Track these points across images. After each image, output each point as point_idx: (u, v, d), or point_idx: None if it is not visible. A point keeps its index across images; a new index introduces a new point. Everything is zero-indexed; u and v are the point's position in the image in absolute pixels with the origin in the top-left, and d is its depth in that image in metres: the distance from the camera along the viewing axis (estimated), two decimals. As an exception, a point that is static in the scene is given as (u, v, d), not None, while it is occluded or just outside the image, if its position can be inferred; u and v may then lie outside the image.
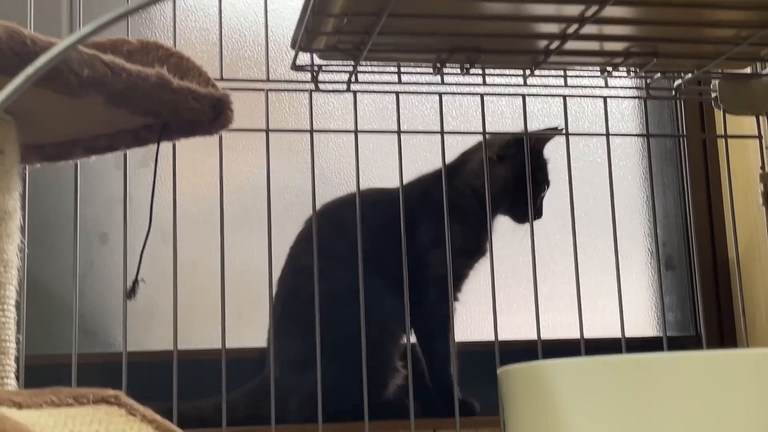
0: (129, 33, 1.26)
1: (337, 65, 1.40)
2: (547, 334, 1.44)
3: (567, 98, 1.50)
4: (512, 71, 1.49)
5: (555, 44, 1.35)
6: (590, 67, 1.50)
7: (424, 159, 1.77)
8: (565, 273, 1.75)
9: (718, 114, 1.62)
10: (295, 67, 1.38)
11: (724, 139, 1.58)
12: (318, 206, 1.42)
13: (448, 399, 1.50)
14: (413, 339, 1.61)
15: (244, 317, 1.75)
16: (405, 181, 1.67)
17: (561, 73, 1.50)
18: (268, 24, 1.41)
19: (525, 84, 1.48)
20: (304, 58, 1.38)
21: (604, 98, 1.52)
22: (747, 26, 1.32)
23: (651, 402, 0.77)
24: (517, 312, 1.83)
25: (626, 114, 2.05)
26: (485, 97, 1.47)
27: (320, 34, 1.27)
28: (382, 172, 1.86)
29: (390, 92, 1.45)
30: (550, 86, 1.53)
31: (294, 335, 1.54)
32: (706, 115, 2.01)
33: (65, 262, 1.68)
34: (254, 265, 1.74)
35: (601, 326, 1.71)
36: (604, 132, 1.51)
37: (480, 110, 1.46)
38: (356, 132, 1.40)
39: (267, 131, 1.37)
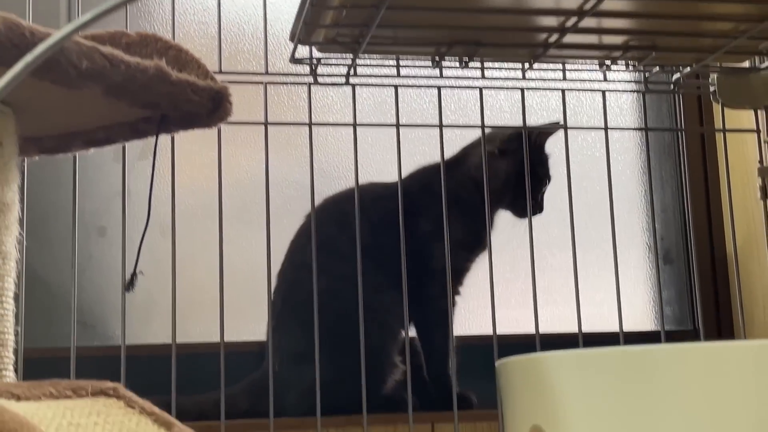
0: (128, 26, 1.26)
1: (335, 58, 1.39)
2: (545, 328, 1.44)
3: (566, 92, 1.50)
4: (511, 65, 1.49)
5: (554, 37, 1.35)
6: (589, 61, 1.50)
7: (422, 153, 1.77)
8: (563, 267, 1.75)
9: (717, 108, 1.62)
10: (294, 60, 1.38)
11: (722, 133, 1.58)
12: (316, 200, 1.42)
13: (446, 393, 1.51)
14: (411, 333, 1.61)
15: (243, 311, 1.75)
16: (407, 172, 1.68)
17: (560, 66, 1.50)
18: (267, 17, 1.40)
19: (524, 78, 1.48)
20: (302, 51, 1.38)
21: (603, 92, 1.52)
22: (745, 20, 1.32)
23: (649, 393, 0.77)
24: (515, 306, 1.84)
25: (624, 108, 2.05)
26: (484, 91, 1.47)
27: (319, 26, 1.27)
28: (381, 166, 1.86)
29: (389, 86, 1.45)
30: (548, 80, 1.53)
31: (294, 329, 1.54)
32: (705, 109, 2.01)
33: (64, 255, 1.68)
34: (253, 259, 1.74)
35: (599, 320, 1.71)
36: (603, 126, 1.51)
37: (479, 104, 1.46)
38: (355, 125, 1.40)
39: (265, 124, 1.37)
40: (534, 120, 1.80)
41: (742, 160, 1.78)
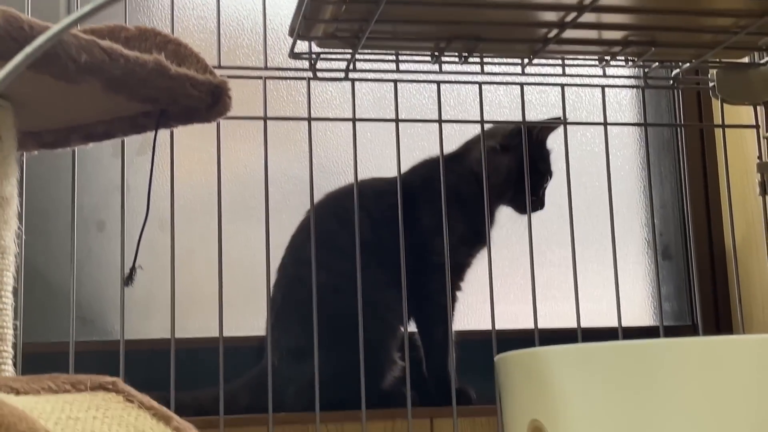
0: (126, 20, 1.25)
1: (335, 53, 1.39)
2: (544, 324, 1.44)
3: (565, 87, 1.50)
4: (510, 60, 1.49)
5: (553, 33, 1.35)
6: (588, 57, 1.50)
7: (422, 148, 1.77)
8: (562, 262, 1.75)
9: (716, 104, 1.62)
10: (293, 55, 1.38)
11: (721, 129, 1.58)
12: (315, 195, 1.42)
13: (445, 388, 1.51)
14: (411, 328, 1.61)
15: (242, 306, 1.75)
16: (408, 166, 1.68)
17: (559, 62, 1.50)
18: (266, 11, 1.40)
19: (523, 73, 1.48)
20: (302, 46, 1.38)
21: (602, 87, 1.51)
22: (745, 15, 1.32)
23: (648, 388, 0.77)
24: (514, 301, 1.83)
25: (624, 104, 2.05)
26: (483, 86, 1.47)
27: (318, 21, 1.27)
28: (380, 161, 1.86)
29: (388, 81, 1.45)
30: (548, 75, 1.53)
31: (294, 324, 1.54)
32: (704, 105, 2.01)
33: (63, 250, 1.68)
34: (252, 254, 1.74)
35: (598, 316, 1.71)
36: (602, 121, 1.51)
37: (478, 99, 1.46)
38: (354, 120, 1.40)
39: (265, 119, 1.37)
40: (533, 116, 1.80)
41: (742, 156, 1.78)
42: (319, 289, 1.35)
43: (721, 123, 1.57)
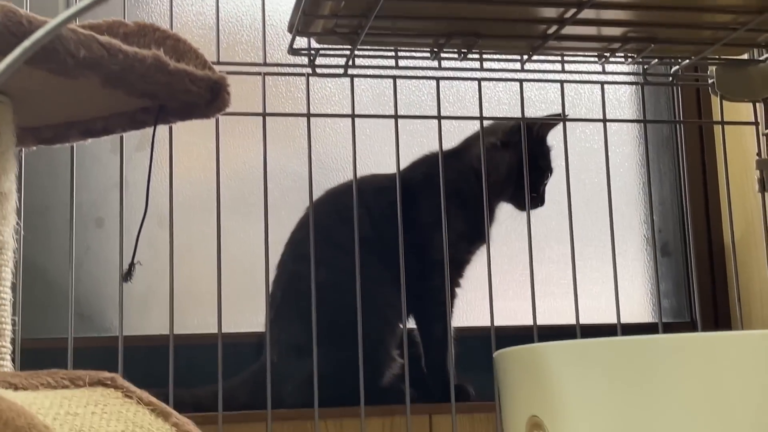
0: (125, 16, 1.25)
1: (334, 49, 1.39)
2: (543, 320, 1.44)
3: (564, 84, 1.50)
4: (510, 56, 1.49)
5: (553, 29, 1.35)
6: (588, 53, 1.50)
7: (421, 144, 1.77)
8: (561, 259, 1.75)
9: (715, 100, 1.62)
10: (292, 51, 1.38)
11: (720, 126, 1.58)
12: (315, 192, 1.42)
13: (444, 385, 1.51)
14: (410, 325, 1.61)
15: (241, 302, 1.75)
16: (409, 161, 1.68)
17: (558, 58, 1.50)
18: (265, 7, 1.40)
19: (522, 69, 1.48)
20: (301, 42, 1.38)
21: (602, 84, 1.51)
22: (745, 12, 1.32)
23: (647, 384, 0.77)
24: (513, 298, 1.83)
25: (623, 100, 2.05)
26: (482, 83, 1.47)
27: (317, 17, 1.27)
28: (379, 158, 1.86)
29: (387, 77, 1.44)
30: (547, 72, 1.53)
31: (293, 321, 1.54)
32: (703, 102, 2.01)
33: (61, 246, 1.67)
34: (251, 250, 1.73)
35: (597, 312, 1.71)
36: (601, 118, 1.51)
37: (477, 95, 1.46)
38: (353, 116, 1.40)
39: (264, 115, 1.37)
40: (532, 112, 1.80)
41: (741, 153, 1.78)
42: (319, 286, 1.35)
43: (720, 120, 1.57)
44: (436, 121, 1.45)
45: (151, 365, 1.34)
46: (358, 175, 1.43)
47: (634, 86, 1.94)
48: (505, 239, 1.76)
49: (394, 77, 1.43)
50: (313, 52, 1.38)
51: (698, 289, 1.88)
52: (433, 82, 1.46)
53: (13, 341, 0.96)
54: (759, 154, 1.55)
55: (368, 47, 1.40)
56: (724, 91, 1.53)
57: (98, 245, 1.80)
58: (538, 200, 1.65)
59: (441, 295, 1.50)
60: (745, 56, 1.54)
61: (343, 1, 1.22)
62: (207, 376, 1.43)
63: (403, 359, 1.45)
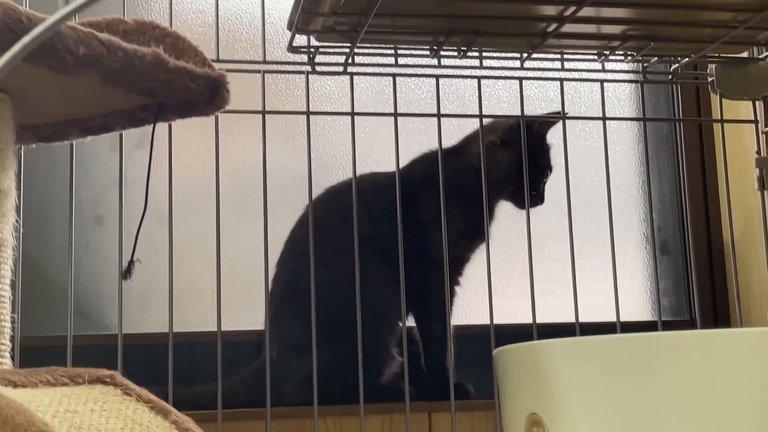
0: (125, 14, 1.25)
1: (333, 47, 1.39)
2: (542, 318, 1.44)
3: (564, 82, 1.50)
4: (509, 54, 1.48)
5: (552, 27, 1.35)
6: (587, 51, 1.50)
7: (420, 142, 1.77)
8: (560, 257, 1.75)
9: (715, 98, 1.62)
10: (292, 49, 1.38)
11: (720, 124, 1.58)
12: (314, 190, 1.42)
13: (443, 382, 1.51)
14: (409, 323, 1.61)
15: (241, 300, 1.75)
16: (408, 159, 1.67)
17: (558, 56, 1.50)
18: (265, 5, 1.40)
19: (522, 67, 1.48)
20: (300, 40, 1.38)
21: (601, 82, 1.51)
22: (744, 9, 1.32)
23: (646, 381, 0.77)
24: (512, 296, 1.83)
25: (623, 99, 2.05)
26: (482, 81, 1.47)
27: (317, 15, 1.27)
28: (379, 156, 1.86)
29: (387, 75, 1.44)
30: (547, 70, 1.53)
31: (293, 319, 1.54)
32: (703, 100, 2.01)
33: (60, 244, 1.67)
34: (250, 248, 1.73)
35: (596, 310, 1.71)
36: (601, 116, 1.51)
37: (477, 93, 1.46)
38: (353, 114, 1.40)
39: (263, 113, 1.37)
40: (532, 110, 1.80)
41: (740, 151, 1.78)
42: (318, 284, 1.35)
43: (719, 118, 1.57)
44: (435, 119, 1.45)
45: (151, 363, 1.34)
46: (358, 173, 1.43)
47: (634, 84, 1.94)
48: (505, 237, 1.76)
49: (394, 75, 1.43)
50: (312, 49, 1.38)
51: (697, 288, 1.88)
52: (433, 80, 1.46)
53: (12, 339, 0.96)
54: (758, 152, 1.55)
55: (368, 45, 1.40)
56: (724, 89, 1.53)
57: (98, 243, 1.80)
58: (537, 198, 1.65)
59: (440, 294, 1.50)
60: (745, 54, 1.54)
61: (343, -1, 1.22)
62: (206, 374, 1.43)
63: (402, 357, 1.45)
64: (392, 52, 1.43)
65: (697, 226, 1.98)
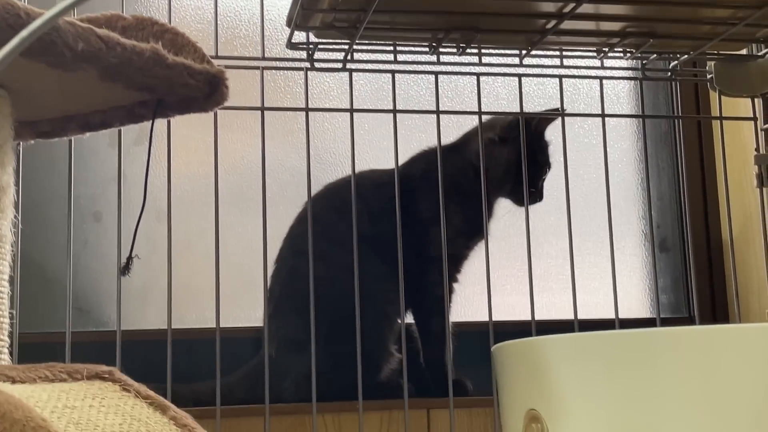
0: (123, 10, 1.25)
1: (332, 44, 1.39)
2: (541, 315, 1.44)
3: (563, 79, 1.50)
4: (508, 51, 1.48)
5: (551, 24, 1.35)
6: (586, 48, 1.50)
7: (419, 139, 1.77)
8: (559, 254, 1.75)
9: (714, 96, 1.62)
10: (291, 45, 1.38)
11: (719, 121, 1.58)
12: (313, 186, 1.42)
13: (442, 379, 1.51)
14: (408, 319, 1.61)
15: (239, 297, 1.75)
16: (407, 156, 1.67)
17: (557, 53, 1.50)
18: (264, 2, 1.40)
19: (521, 64, 1.48)
20: (299, 37, 1.37)
21: (600, 79, 1.51)
22: (743, 6, 1.32)
23: (645, 377, 0.77)
24: (511, 293, 1.84)
25: (621, 96, 2.05)
26: (481, 78, 1.47)
27: (316, 11, 1.27)
28: (378, 153, 1.86)
29: (386, 71, 1.44)
30: (546, 66, 1.53)
31: (292, 316, 1.54)
32: (702, 97, 2.01)
33: (59, 240, 1.67)
34: (249, 245, 1.74)
35: (595, 307, 1.71)
36: (600, 113, 1.51)
37: (476, 90, 1.46)
38: (351, 111, 1.40)
39: (262, 109, 1.37)
40: (531, 107, 1.80)
41: (739, 148, 1.78)
42: (317, 281, 1.35)
43: (718, 115, 1.57)
44: (434, 116, 1.45)
45: (149, 360, 1.33)
46: (357, 170, 1.43)
47: (633, 81, 1.94)
48: (504, 234, 1.76)
49: (393, 72, 1.42)
50: (311, 46, 1.38)
51: (696, 285, 1.89)
52: (432, 77, 1.46)
53: (10, 335, 0.96)
54: (757, 149, 1.55)
55: (367, 42, 1.40)
56: (723, 86, 1.53)
57: (96, 239, 1.80)
58: (536, 195, 1.65)
59: (439, 291, 1.50)
60: (744, 52, 1.54)
61: (342, -5, 1.22)
62: (205, 371, 1.43)
63: (401, 354, 1.45)
64: (391, 48, 1.43)
65: (696, 223, 1.98)
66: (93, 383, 0.77)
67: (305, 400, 1.36)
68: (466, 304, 1.80)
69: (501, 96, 1.97)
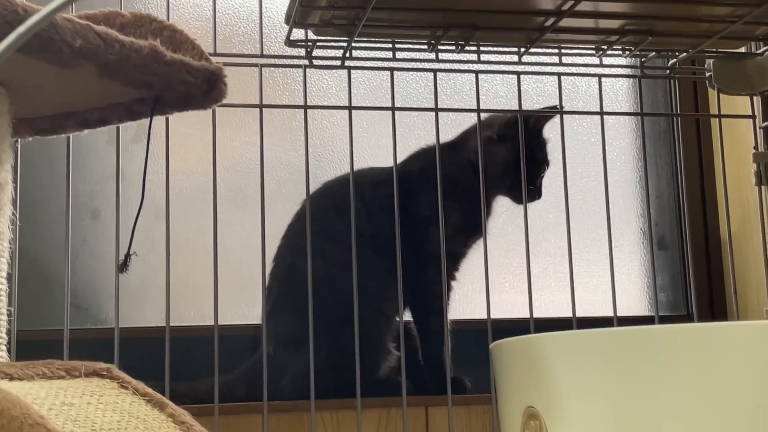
0: (122, 7, 1.25)
1: (331, 41, 1.39)
2: (539, 313, 1.44)
3: (561, 77, 1.50)
4: (507, 49, 1.48)
5: (550, 21, 1.35)
6: (585, 46, 1.50)
7: (418, 137, 1.77)
8: (558, 252, 1.75)
9: (712, 93, 1.62)
10: (289, 43, 1.38)
11: (717, 119, 1.58)
12: (311, 184, 1.42)
13: (440, 377, 1.51)
14: (406, 317, 1.61)
15: (238, 294, 1.75)
16: (406, 154, 1.67)
17: (556, 51, 1.50)
18: (262, -1, 1.40)
19: (520, 62, 1.48)
20: (298, 34, 1.37)
21: (599, 77, 1.51)
22: (742, 4, 1.32)
23: (643, 374, 0.77)
24: (510, 291, 1.84)
25: (620, 93, 2.05)
26: (480, 75, 1.47)
27: (315, 8, 1.26)
28: (376, 150, 1.86)
29: (384, 69, 1.44)
30: (544, 64, 1.53)
31: (290, 313, 1.54)
32: (700, 95, 2.01)
33: (57, 238, 1.67)
34: (247, 242, 1.73)
35: (594, 305, 1.72)
36: (598, 111, 1.51)
37: (474, 88, 1.46)
38: (350, 108, 1.40)
39: (260, 107, 1.36)
40: (530, 105, 1.80)
41: (738, 146, 1.78)
42: (315, 279, 1.35)
43: (717, 113, 1.57)
44: (433, 114, 1.45)
45: (147, 357, 1.33)
46: (355, 167, 1.43)
47: (632, 79, 1.94)
48: (502, 232, 1.76)
49: (391, 69, 1.42)
50: (310, 43, 1.38)
51: (695, 283, 1.89)
52: (431, 75, 1.46)
53: (8, 332, 0.96)
54: (756, 147, 1.55)
55: (365, 39, 1.40)
56: (722, 84, 1.52)
57: (94, 236, 1.79)
58: (535, 193, 1.65)
59: (437, 288, 1.50)
60: (743, 49, 1.54)
61: (341, -7, 1.22)
62: (203, 368, 1.43)
63: (399, 352, 1.45)
64: (390, 46, 1.43)
65: (695, 221, 1.98)
66: (91, 380, 0.77)
67: (304, 397, 1.36)
68: (465, 301, 1.80)
69: (500, 94, 1.97)
